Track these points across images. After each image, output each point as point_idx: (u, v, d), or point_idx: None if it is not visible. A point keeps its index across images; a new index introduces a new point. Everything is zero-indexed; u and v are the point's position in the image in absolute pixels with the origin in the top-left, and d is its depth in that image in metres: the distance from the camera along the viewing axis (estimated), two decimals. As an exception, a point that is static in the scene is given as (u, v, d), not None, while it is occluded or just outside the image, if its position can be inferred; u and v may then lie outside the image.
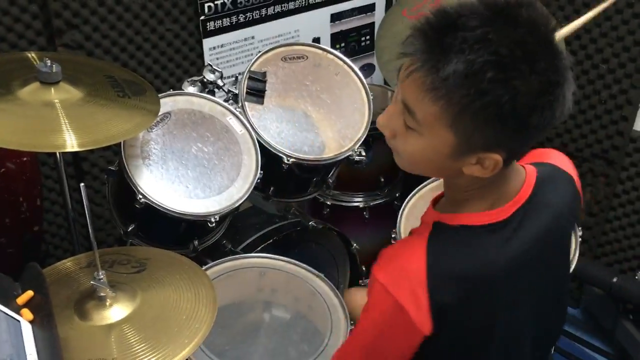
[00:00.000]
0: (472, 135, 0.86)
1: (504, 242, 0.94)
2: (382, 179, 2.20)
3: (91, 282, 1.11)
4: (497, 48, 0.80)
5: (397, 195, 2.25)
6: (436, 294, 0.90)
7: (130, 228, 1.56)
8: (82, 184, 1.02)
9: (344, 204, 2.21)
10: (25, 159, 1.72)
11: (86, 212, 1.04)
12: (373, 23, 2.43)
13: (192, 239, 1.60)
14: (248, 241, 1.74)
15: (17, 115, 1.22)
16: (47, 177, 2.00)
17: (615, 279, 2.01)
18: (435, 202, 1.05)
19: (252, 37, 2.18)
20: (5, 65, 1.35)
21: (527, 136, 0.89)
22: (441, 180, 1.80)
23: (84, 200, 1.03)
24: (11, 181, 1.70)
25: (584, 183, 2.22)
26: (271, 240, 1.73)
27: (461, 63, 0.80)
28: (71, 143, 1.22)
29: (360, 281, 1.97)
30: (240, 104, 1.63)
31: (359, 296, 1.63)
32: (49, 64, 1.26)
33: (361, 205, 2.20)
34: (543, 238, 0.97)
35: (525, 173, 0.99)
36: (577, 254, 1.54)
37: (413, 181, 1.95)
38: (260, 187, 1.70)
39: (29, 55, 1.37)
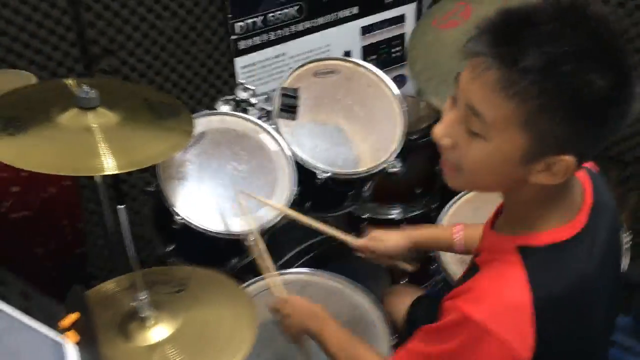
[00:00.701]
0: (547, 135, 0.81)
1: (588, 252, 0.90)
2: (418, 190, 2.18)
3: (133, 302, 1.12)
4: (574, 40, 0.77)
5: (432, 206, 2.22)
6: (542, 323, 0.86)
7: (170, 248, 1.58)
8: (119, 207, 1.04)
9: (380, 217, 2.19)
10: (66, 183, 1.76)
11: (125, 234, 1.06)
12: (403, 34, 2.43)
13: (231, 257, 1.61)
14: (286, 257, 1.74)
15: (57, 140, 1.25)
16: (88, 200, 2.05)
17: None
18: (492, 225, 1.01)
19: (283, 54, 2.19)
20: (45, 92, 1.38)
21: (602, 134, 0.83)
22: (462, 199, 1.80)
23: (122, 223, 1.04)
24: (54, 206, 1.73)
25: (628, 187, 2.15)
26: (310, 255, 1.73)
27: (539, 55, 0.77)
28: (109, 166, 1.24)
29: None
30: (273, 121, 1.64)
31: (402, 294, 1.62)
32: (87, 90, 1.29)
33: (398, 218, 2.18)
34: (611, 239, 0.95)
35: (578, 178, 0.96)
36: (628, 259, 1.50)
37: (450, 191, 1.92)
38: (296, 202, 1.70)
39: (68, 82, 1.40)
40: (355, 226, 2.15)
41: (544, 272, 0.88)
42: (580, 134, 0.82)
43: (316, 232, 1.84)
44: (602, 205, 0.95)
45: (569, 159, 0.83)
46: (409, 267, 1.57)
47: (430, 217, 2.22)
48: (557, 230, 0.90)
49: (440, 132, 0.91)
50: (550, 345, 0.88)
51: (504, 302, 0.87)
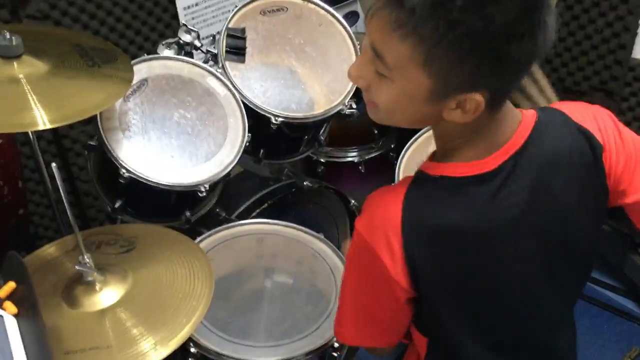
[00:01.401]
0: (448, 74, 0.78)
1: (490, 196, 0.87)
2: (376, 131, 2.13)
3: (76, 266, 1.04)
4: None
5: (392, 146, 2.18)
6: (410, 245, 0.86)
7: (117, 204, 1.49)
8: (52, 164, 0.95)
9: (338, 160, 2.14)
10: (0, 142, 1.63)
11: (62, 193, 0.97)
12: (355, -32, 2.31)
13: (184, 211, 1.53)
14: (242, 207, 1.67)
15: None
16: (28, 157, 1.92)
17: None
18: (434, 153, 0.98)
19: (229, -7, 2.06)
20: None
21: (508, 70, 0.80)
22: (424, 135, 1.75)
23: (57, 182, 0.95)
24: (-12, 166, 1.62)
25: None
26: (266, 205, 1.67)
27: None
28: (42, 120, 1.13)
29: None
30: (220, 65, 1.54)
31: None
32: (8, 37, 1.17)
33: (356, 160, 2.13)
34: (543, 190, 0.89)
35: (521, 118, 0.91)
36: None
37: (408, 131, 1.88)
38: (250, 151, 1.63)
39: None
40: (313, 171, 2.10)
41: (421, 199, 0.88)
42: (484, 71, 0.78)
43: (270, 181, 1.79)
44: (537, 152, 0.89)
45: (478, 97, 0.80)
46: None
47: (389, 158, 2.18)
48: (459, 165, 0.88)
49: (354, 72, 0.88)
50: (426, 277, 0.88)
51: (377, 213, 0.90)
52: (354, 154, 2.14)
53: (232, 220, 1.61)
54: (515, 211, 0.88)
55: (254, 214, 1.65)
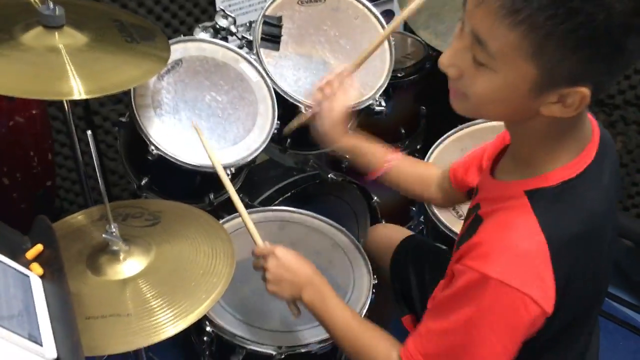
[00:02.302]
0: (558, 66, 0.75)
1: (598, 187, 0.86)
2: (403, 130, 2.12)
3: (103, 235, 1.06)
4: None
5: (417, 147, 2.18)
6: (560, 266, 0.82)
7: (143, 181, 1.51)
8: (88, 131, 0.96)
9: (363, 156, 2.13)
10: (34, 112, 1.67)
11: (94, 160, 0.98)
12: (393, -33, 2.31)
13: (208, 193, 1.55)
14: (265, 195, 1.68)
15: (21, 61, 1.15)
16: (58, 132, 1.95)
17: (646, 231, 1.94)
18: (491, 172, 0.95)
19: (266, -17, 2.07)
20: (6, 9, 1.27)
21: (619, 65, 0.77)
22: (464, 130, 1.74)
23: (91, 148, 0.97)
24: (21, 135, 1.65)
25: (615, 132, 2.12)
26: (289, 194, 1.67)
27: None
28: (78, 90, 1.15)
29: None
30: (255, 51, 1.55)
31: (391, 231, 1.56)
32: (52, 7, 1.19)
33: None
34: (615, 176, 0.91)
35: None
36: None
37: (434, 132, 1.87)
38: (276, 139, 1.63)
39: (40, -1, 1.29)
40: (338, 166, 2.10)
41: (555, 214, 0.83)
42: (596, 64, 0.75)
43: (294, 171, 1.79)
44: (606, 140, 0.91)
45: (584, 91, 0.77)
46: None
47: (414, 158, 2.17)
48: (565, 167, 0.86)
49: (446, 60, 0.85)
50: (569, 289, 0.84)
51: (518, 252, 0.82)
52: (379, 151, 2.13)
53: (254, 206, 1.62)
54: (607, 196, 0.89)
55: (276, 202, 1.66)
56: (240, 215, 1.22)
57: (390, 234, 1.55)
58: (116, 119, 2.04)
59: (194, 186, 1.53)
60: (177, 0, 1.97)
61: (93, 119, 2.00)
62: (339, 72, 1.27)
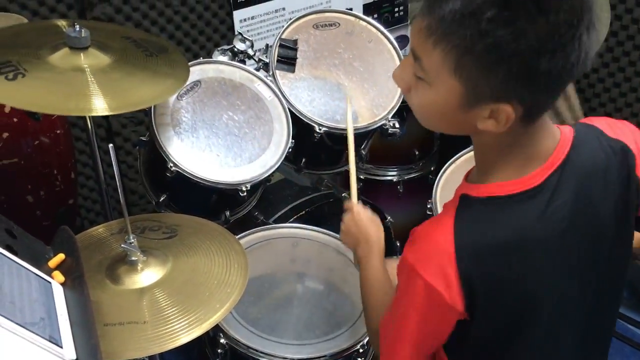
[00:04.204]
0: (478, 83, 0.79)
1: (539, 211, 0.87)
2: (417, 152, 2.15)
3: (121, 245, 1.10)
4: None
5: (432, 168, 2.20)
6: (465, 268, 0.85)
7: (162, 198, 1.55)
8: (110, 145, 1.01)
9: (377, 177, 2.17)
10: (59, 131, 1.72)
11: (115, 173, 1.03)
12: (406, -7, 2.37)
13: (224, 210, 1.58)
14: (280, 213, 1.72)
15: (48, 80, 1.21)
16: (81, 152, 2.02)
17: (661, 252, 1.93)
18: (469, 172, 0.99)
19: (283, 9, 2.14)
20: (36, 32, 1.34)
21: (538, 84, 0.79)
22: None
23: (112, 160, 1.01)
24: (45, 154, 1.70)
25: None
26: (303, 212, 1.71)
27: (458, 1, 0.75)
28: (101, 107, 1.20)
29: (395, 256, 1.93)
30: (271, 72, 1.60)
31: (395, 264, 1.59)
32: (78, 29, 1.25)
33: (395, 179, 2.16)
34: (587, 203, 0.89)
35: (560, 133, 0.91)
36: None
37: (448, 153, 1.90)
38: (291, 159, 1.67)
39: (59, 22, 1.35)
40: (350, 186, 2.13)
41: (470, 223, 0.87)
42: (511, 84, 0.78)
43: (309, 190, 1.83)
44: (577, 166, 0.89)
45: (507, 108, 0.80)
46: None
47: (427, 180, 2.20)
48: (501, 184, 0.88)
49: (396, 74, 0.91)
50: (482, 297, 0.87)
51: (428, 246, 0.89)
52: (394, 173, 2.17)
53: (269, 224, 1.65)
54: (562, 226, 0.88)
55: (290, 220, 1.69)
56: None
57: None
58: (135, 140, 2.11)
59: (211, 203, 1.57)
60: (198, 26, 2.04)
61: (114, 139, 2.07)
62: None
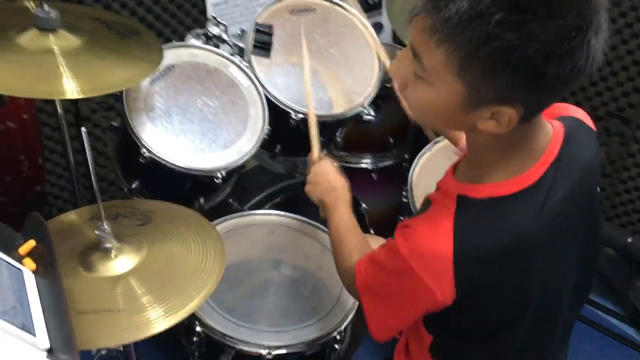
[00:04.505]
0: (481, 86, 0.77)
1: (537, 209, 0.87)
2: (391, 140, 2.15)
3: (95, 232, 1.07)
4: None
5: (405, 156, 2.20)
6: (462, 275, 0.85)
7: (134, 185, 1.52)
8: (83, 129, 0.98)
9: (351, 165, 2.16)
10: (25, 116, 1.68)
11: (88, 158, 1.00)
12: (381, -20, 2.36)
13: (198, 197, 1.56)
14: (255, 200, 1.70)
15: (16, 62, 1.17)
16: (48, 138, 1.96)
17: (629, 240, 1.97)
18: (455, 167, 0.98)
19: (257, -7, 2.11)
20: (1, 13, 1.29)
21: (544, 89, 0.78)
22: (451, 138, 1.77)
23: (85, 145, 0.98)
24: (12, 139, 1.66)
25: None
26: (278, 199, 1.69)
27: (465, 2, 0.72)
28: (72, 90, 1.17)
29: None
30: (247, 58, 1.58)
31: (374, 244, 1.59)
32: (47, 9, 1.21)
33: (369, 167, 2.16)
34: (576, 196, 0.90)
35: (551, 129, 0.91)
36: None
37: (422, 141, 1.90)
38: (266, 146, 1.65)
39: (27, 3, 1.31)
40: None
41: (472, 226, 0.87)
42: (517, 87, 0.77)
43: (283, 177, 1.81)
44: (570, 161, 0.90)
45: (510, 111, 0.79)
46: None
47: (402, 167, 2.20)
48: (501, 183, 0.87)
49: (393, 68, 0.90)
50: (473, 295, 0.88)
51: (426, 246, 0.88)
52: (368, 160, 2.16)
53: (244, 211, 1.63)
54: (557, 221, 0.89)
55: (266, 207, 1.67)
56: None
57: (378, 243, 1.57)
58: (105, 126, 2.06)
59: (185, 190, 1.54)
60: (169, 9, 2.00)
61: (83, 125, 2.02)
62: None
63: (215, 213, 1.64)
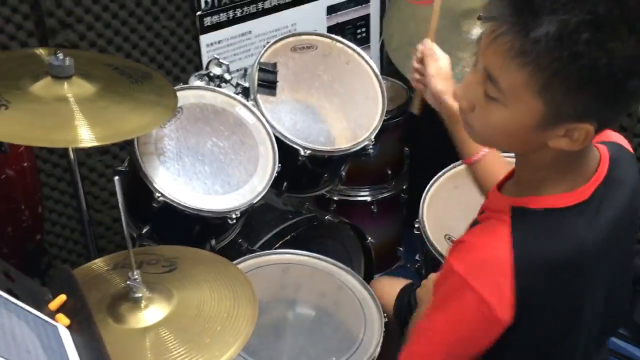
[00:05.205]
0: (563, 104, 0.79)
1: (590, 223, 0.88)
2: (389, 171, 2.17)
3: (127, 282, 1.04)
4: (593, 7, 0.74)
5: (404, 187, 2.22)
6: (522, 284, 0.85)
7: (144, 230, 1.49)
8: (116, 177, 0.96)
9: (350, 198, 2.16)
10: (25, 164, 1.64)
11: (120, 204, 0.97)
12: (369, 15, 2.39)
13: (209, 238, 1.54)
14: (265, 239, 1.68)
15: (31, 111, 1.15)
16: (43, 185, 1.92)
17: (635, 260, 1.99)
18: (500, 186, 0.99)
19: (249, 32, 2.12)
20: (13, 61, 1.27)
21: (621, 104, 0.82)
22: (459, 167, 1.79)
23: (117, 194, 0.96)
24: (12, 188, 1.61)
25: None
26: (289, 237, 1.67)
27: (554, 24, 0.74)
28: (88, 138, 1.15)
29: (376, 276, 1.92)
30: (252, 97, 1.58)
31: (388, 285, 1.58)
32: (61, 57, 1.19)
33: (368, 199, 2.16)
34: (621, 217, 0.92)
35: (599, 152, 0.94)
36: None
37: (420, 172, 1.92)
38: (273, 183, 1.64)
39: (37, 51, 1.29)
40: (325, 208, 2.12)
41: (531, 235, 0.87)
42: (598, 103, 0.80)
43: (290, 215, 1.80)
44: (616, 182, 0.93)
45: (588, 127, 0.81)
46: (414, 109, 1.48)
47: (400, 198, 2.22)
48: (558, 196, 0.89)
49: (460, 92, 0.90)
50: (532, 311, 0.87)
51: (483, 256, 0.88)
52: (366, 193, 2.17)
53: (255, 251, 1.61)
54: (606, 238, 0.90)
55: (276, 246, 1.66)
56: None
57: (392, 286, 1.57)
58: (102, 170, 2.03)
59: (196, 232, 1.52)
60: (164, 51, 1.99)
61: (80, 170, 1.97)
62: (422, 47, 1.33)
63: (225, 253, 1.61)
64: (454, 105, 1.26)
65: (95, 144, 1.16)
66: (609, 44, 0.75)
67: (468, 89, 0.88)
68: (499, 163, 1.31)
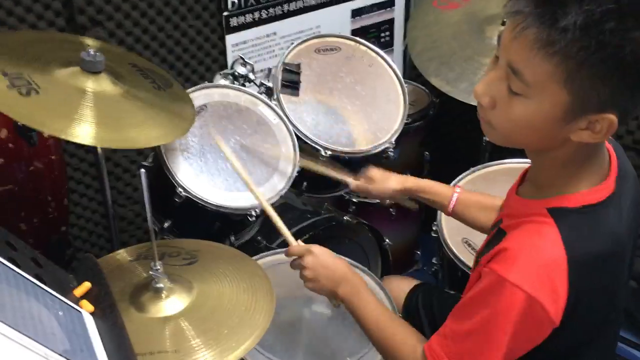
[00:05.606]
0: (588, 94, 0.81)
1: (620, 214, 0.90)
2: (409, 175, 2.16)
3: (150, 272, 1.07)
4: None
5: (422, 191, 2.22)
6: (576, 280, 0.86)
7: (166, 225, 1.52)
8: (142, 170, 0.99)
9: (370, 201, 2.17)
10: (53, 157, 1.68)
11: (145, 198, 1.00)
12: (393, 19, 2.41)
13: (229, 235, 1.56)
14: (281, 239, 1.70)
15: (61, 102, 1.16)
16: (69, 178, 1.96)
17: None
18: (515, 191, 1.00)
19: (274, 33, 2.14)
20: (50, 43, 1.29)
21: None
22: (476, 173, 1.79)
23: (143, 187, 0.99)
24: (39, 180, 1.66)
25: None
26: (307, 236, 1.69)
27: (581, 14, 0.76)
28: (99, 139, 1.15)
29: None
30: (275, 96, 1.60)
31: (396, 283, 1.60)
32: (92, 53, 1.22)
33: (387, 202, 2.16)
34: (635, 207, 0.95)
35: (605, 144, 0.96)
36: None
37: (440, 176, 1.92)
38: (293, 183, 1.66)
39: (83, 39, 1.31)
40: (344, 210, 2.13)
41: (577, 232, 0.88)
42: (623, 92, 0.82)
43: (309, 215, 1.82)
44: (625, 173, 0.96)
45: (612, 117, 0.83)
46: (411, 206, 1.53)
47: (419, 203, 2.21)
48: (589, 192, 0.91)
49: (480, 90, 0.91)
50: (581, 305, 0.88)
51: (539, 259, 0.87)
52: (386, 196, 2.17)
53: (273, 249, 1.63)
54: (627, 225, 0.92)
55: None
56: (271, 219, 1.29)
57: (401, 284, 1.58)
58: (127, 166, 2.07)
59: (217, 228, 1.54)
60: (190, 50, 2.03)
61: (105, 165, 2.02)
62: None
63: (243, 250, 1.63)
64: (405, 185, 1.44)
65: (100, 145, 1.17)
66: (632, 32, 0.76)
67: (489, 86, 0.89)
68: (474, 196, 1.38)
